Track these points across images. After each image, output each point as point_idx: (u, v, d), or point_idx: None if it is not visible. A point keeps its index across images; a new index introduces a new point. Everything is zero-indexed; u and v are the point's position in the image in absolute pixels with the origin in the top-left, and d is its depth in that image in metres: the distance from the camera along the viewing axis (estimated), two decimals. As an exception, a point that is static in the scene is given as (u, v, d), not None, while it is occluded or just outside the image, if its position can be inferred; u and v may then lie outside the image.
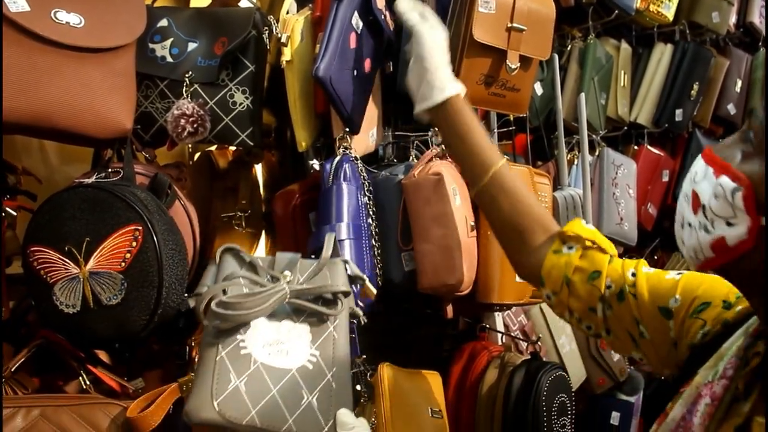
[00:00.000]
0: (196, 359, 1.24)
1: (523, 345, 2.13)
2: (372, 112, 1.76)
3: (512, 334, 2.11)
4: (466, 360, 1.90)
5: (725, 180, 0.73)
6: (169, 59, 1.57)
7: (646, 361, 1.12)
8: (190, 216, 1.55)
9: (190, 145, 1.85)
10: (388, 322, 1.83)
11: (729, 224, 0.73)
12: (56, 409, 1.29)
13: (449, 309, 1.69)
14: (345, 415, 1.18)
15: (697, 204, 0.77)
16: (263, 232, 1.96)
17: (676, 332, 1.03)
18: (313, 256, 1.36)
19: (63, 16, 1.38)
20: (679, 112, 2.93)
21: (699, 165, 0.79)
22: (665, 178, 3.08)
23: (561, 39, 2.59)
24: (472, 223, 1.68)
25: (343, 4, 1.52)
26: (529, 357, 1.88)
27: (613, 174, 2.61)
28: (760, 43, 3.10)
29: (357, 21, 1.56)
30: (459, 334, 2.03)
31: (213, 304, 1.17)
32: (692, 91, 2.95)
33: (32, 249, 1.35)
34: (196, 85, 1.55)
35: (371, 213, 1.59)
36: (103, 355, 1.51)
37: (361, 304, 1.41)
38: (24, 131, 1.39)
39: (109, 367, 1.49)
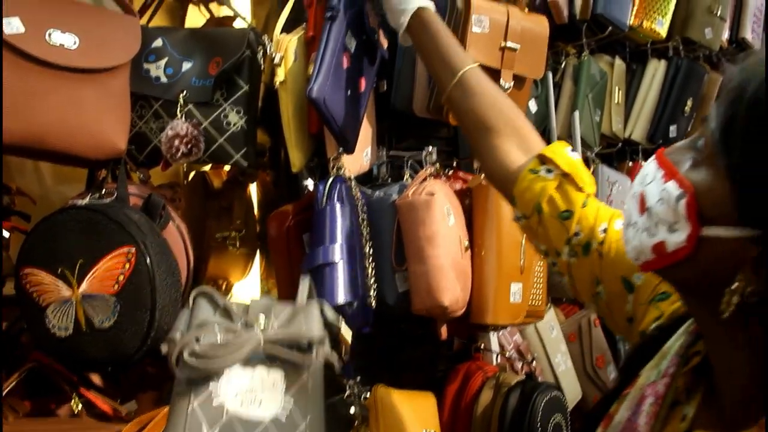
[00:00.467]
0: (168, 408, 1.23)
1: (519, 365, 2.12)
2: (366, 132, 1.76)
3: (507, 354, 2.10)
4: (460, 381, 1.89)
5: (671, 185, 0.74)
6: (164, 79, 1.57)
7: (606, 322, 1.10)
8: (184, 237, 1.54)
9: (184, 165, 1.85)
10: (382, 342, 1.83)
11: (671, 229, 0.73)
12: (48, 435, 1.29)
13: (444, 330, 1.69)
14: None
15: (643, 206, 0.77)
16: (258, 252, 1.95)
17: (632, 310, 1.01)
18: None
19: (57, 36, 1.38)
20: (673, 128, 2.93)
21: (650, 166, 0.79)
22: (660, 195, 3.08)
23: (555, 55, 2.59)
24: (466, 243, 1.68)
25: (336, 23, 1.51)
26: (524, 377, 1.87)
27: (608, 191, 2.61)
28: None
29: (350, 40, 1.56)
30: (454, 355, 2.02)
31: (186, 354, 1.15)
32: (686, 107, 2.95)
33: (25, 271, 1.35)
34: (190, 105, 1.55)
35: (365, 234, 1.59)
36: (96, 377, 1.50)
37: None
38: (17, 153, 1.39)
39: (102, 389, 1.48)
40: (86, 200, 1.44)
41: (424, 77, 1.79)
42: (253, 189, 2.00)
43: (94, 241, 1.33)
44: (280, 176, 1.87)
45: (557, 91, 2.47)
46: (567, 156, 1.13)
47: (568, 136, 2.39)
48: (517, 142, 1.19)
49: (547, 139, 2.36)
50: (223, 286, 1.98)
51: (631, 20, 2.56)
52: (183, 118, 1.54)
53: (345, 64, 1.55)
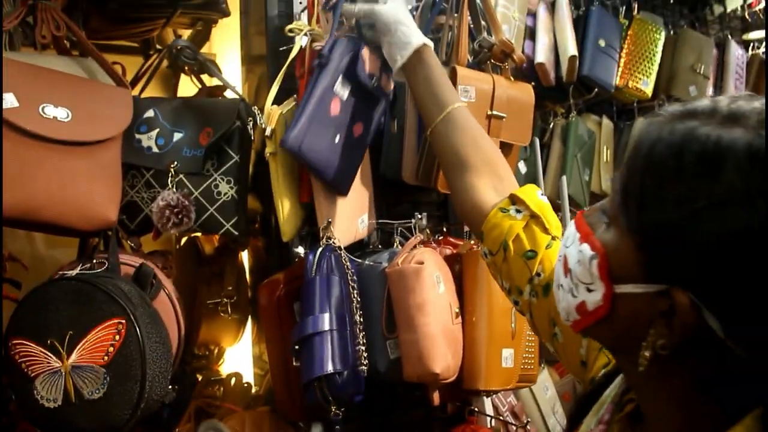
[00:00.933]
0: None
1: (513, 428, 2.10)
2: (363, 198, 1.77)
3: (502, 416, 2.08)
4: (455, 445, 1.87)
5: (585, 247, 0.75)
6: (155, 149, 1.59)
7: (563, 363, 1.10)
8: (175, 306, 1.54)
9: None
10: (375, 405, 1.81)
11: (588, 290, 0.75)
12: None
13: (436, 396, 1.68)
14: None
15: (566, 267, 0.79)
16: (249, 318, 1.95)
17: (586, 354, 1.02)
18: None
19: (51, 110, 1.40)
20: (661, 184, 2.95)
21: (571, 229, 0.81)
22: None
23: (544, 116, 2.63)
24: (457, 310, 1.68)
25: (326, 71, 1.52)
26: (518, 441, 1.85)
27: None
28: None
29: (341, 87, 1.56)
30: (448, 418, 2.00)
31: None
32: (674, 164, 2.98)
33: (14, 342, 1.34)
34: (181, 175, 1.57)
35: (355, 302, 1.59)
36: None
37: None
38: (9, 224, 1.39)
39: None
40: (76, 270, 1.45)
41: (412, 145, 1.81)
42: (244, 255, 2.00)
43: (84, 312, 1.34)
44: (271, 243, 1.87)
45: (546, 151, 2.50)
46: (537, 198, 1.16)
47: (557, 198, 2.41)
48: (492, 182, 1.23)
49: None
50: (215, 352, 1.97)
51: (616, 81, 2.61)
52: (174, 188, 1.55)
53: (334, 111, 1.55)
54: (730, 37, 3.13)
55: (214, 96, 1.79)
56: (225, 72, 1.87)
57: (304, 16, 1.78)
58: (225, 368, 2.02)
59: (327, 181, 1.57)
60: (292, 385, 1.60)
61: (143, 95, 1.71)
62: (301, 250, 1.64)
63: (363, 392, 1.59)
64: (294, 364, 1.53)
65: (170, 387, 1.44)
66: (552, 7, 2.40)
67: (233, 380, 1.91)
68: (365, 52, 1.59)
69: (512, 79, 1.90)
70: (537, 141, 2.33)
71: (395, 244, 1.80)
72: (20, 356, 1.34)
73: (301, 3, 1.82)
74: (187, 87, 1.87)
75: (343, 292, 1.57)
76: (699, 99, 0.71)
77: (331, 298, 1.53)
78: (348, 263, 1.60)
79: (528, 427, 2.02)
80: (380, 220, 1.85)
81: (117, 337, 1.34)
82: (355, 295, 1.59)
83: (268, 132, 1.52)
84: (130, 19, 1.75)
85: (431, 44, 1.41)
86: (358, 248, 1.81)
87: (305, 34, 1.61)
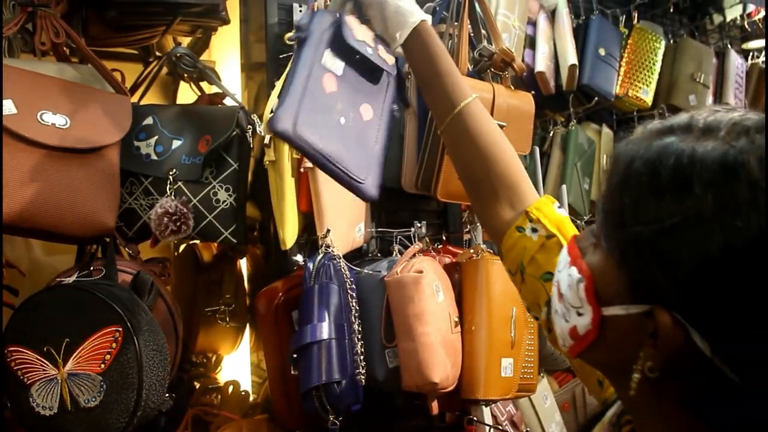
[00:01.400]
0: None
1: (512, 437, 2.10)
2: (359, 206, 1.77)
3: (501, 426, 2.08)
4: (453, 455, 1.87)
5: (573, 270, 0.75)
6: (154, 157, 1.59)
7: (582, 381, 1.09)
8: (173, 313, 1.54)
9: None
10: (374, 414, 1.80)
11: (578, 314, 0.74)
12: None
13: (435, 405, 1.67)
14: None
15: (560, 293, 0.78)
16: (247, 326, 1.95)
17: (602, 375, 1.01)
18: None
19: (49, 117, 1.40)
20: (661, 194, 2.95)
21: (563, 254, 0.80)
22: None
23: (544, 124, 2.63)
24: (456, 319, 1.68)
25: (306, 46, 1.27)
26: (517, 451, 1.85)
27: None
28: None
29: (332, 61, 1.31)
30: (446, 427, 1.99)
31: None
32: (674, 173, 2.98)
33: (10, 349, 1.34)
34: (179, 183, 1.57)
35: (354, 311, 1.58)
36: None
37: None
38: (6, 231, 1.39)
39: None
40: (73, 277, 1.45)
41: (412, 154, 1.81)
42: (243, 263, 2.00)
43: (81, 320, 1.34)
44: (270, 251, 1.87)
45: (546, 160, 2.50)
46: (554, 214, 1.12)
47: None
48: (508, 197, 1.16)
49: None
50: (213, 360, 1.97)
51: (616, 90, 2.61)
52: (172, 196, 1.55)
53: (329, 87, 1.29)
54: (729, 46, 3.13)
55: (214, 104, 1.79)
56: (224, 79, 1.87)
57: (304, 24, 1.77)
58: (222, 376, 2.02)
59: (347, 177, 1.28)
60: (290, 394, 1.59)
61: (142, 102, 1.71)
62: (299, 258, 1.64)
63: (361, 401, 1.58)
64: (292, 372, 1.53)
65: (167, 395, 1.43)
66: (552, 16, 2.41)
67: (231, 388, 1.91)
68: (350, 19, 1.33)
69: (512, 87, 1.90)
70: (537, 150, 2.33)
71: (394, 253, 1.80)
72: (16, 363, 1.33)
73: (301, 11, 1.82)
74: (186, 94, 1.87)
75: (341, 300, 1.56)
76: (682, 114, 0.70)
77: (330, 306, 1.53)
78: (347, 272, 1.60)
79: (527, 436, 2.01)
80: (379, 229, 1.85)
81: (114, 345, 1.33)
82: (354, 304, 1.58)
83: (267, 140, 1.52)
84: (130, 27, 1.75)
85: (429, 18, 1.26)
86: (357, 256, 1.81)
87: (305, 42, 1.59)
